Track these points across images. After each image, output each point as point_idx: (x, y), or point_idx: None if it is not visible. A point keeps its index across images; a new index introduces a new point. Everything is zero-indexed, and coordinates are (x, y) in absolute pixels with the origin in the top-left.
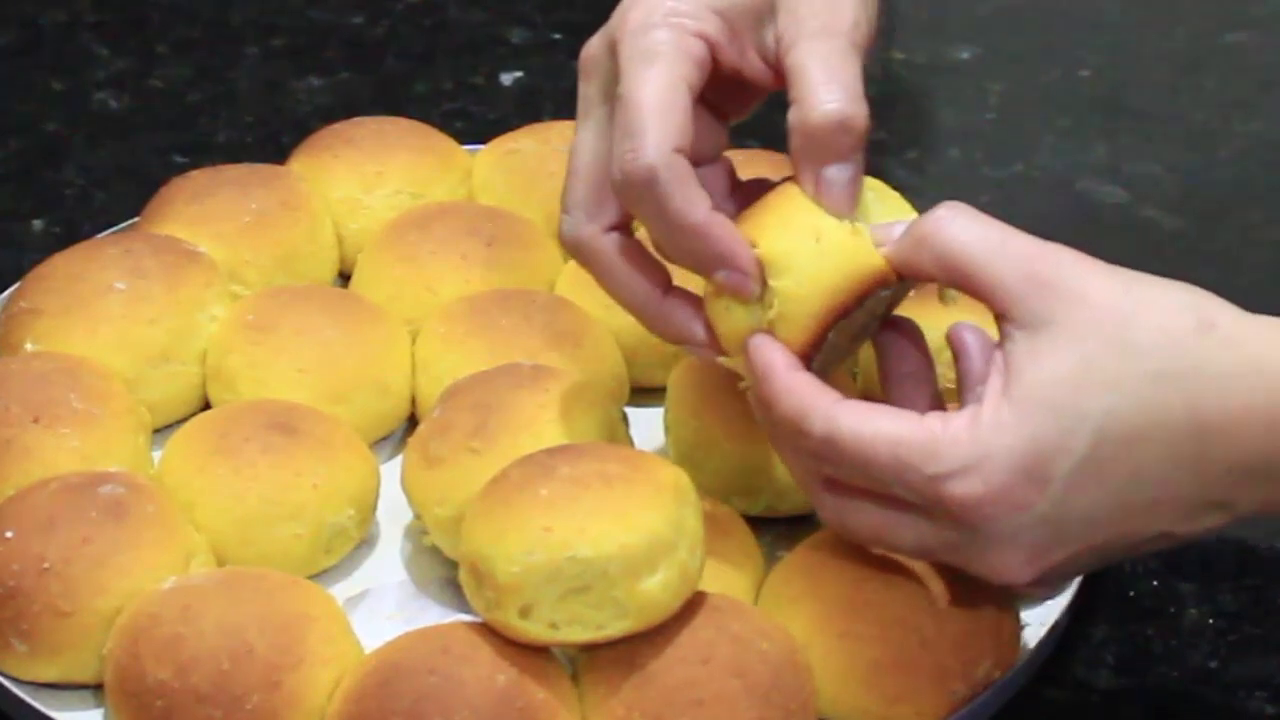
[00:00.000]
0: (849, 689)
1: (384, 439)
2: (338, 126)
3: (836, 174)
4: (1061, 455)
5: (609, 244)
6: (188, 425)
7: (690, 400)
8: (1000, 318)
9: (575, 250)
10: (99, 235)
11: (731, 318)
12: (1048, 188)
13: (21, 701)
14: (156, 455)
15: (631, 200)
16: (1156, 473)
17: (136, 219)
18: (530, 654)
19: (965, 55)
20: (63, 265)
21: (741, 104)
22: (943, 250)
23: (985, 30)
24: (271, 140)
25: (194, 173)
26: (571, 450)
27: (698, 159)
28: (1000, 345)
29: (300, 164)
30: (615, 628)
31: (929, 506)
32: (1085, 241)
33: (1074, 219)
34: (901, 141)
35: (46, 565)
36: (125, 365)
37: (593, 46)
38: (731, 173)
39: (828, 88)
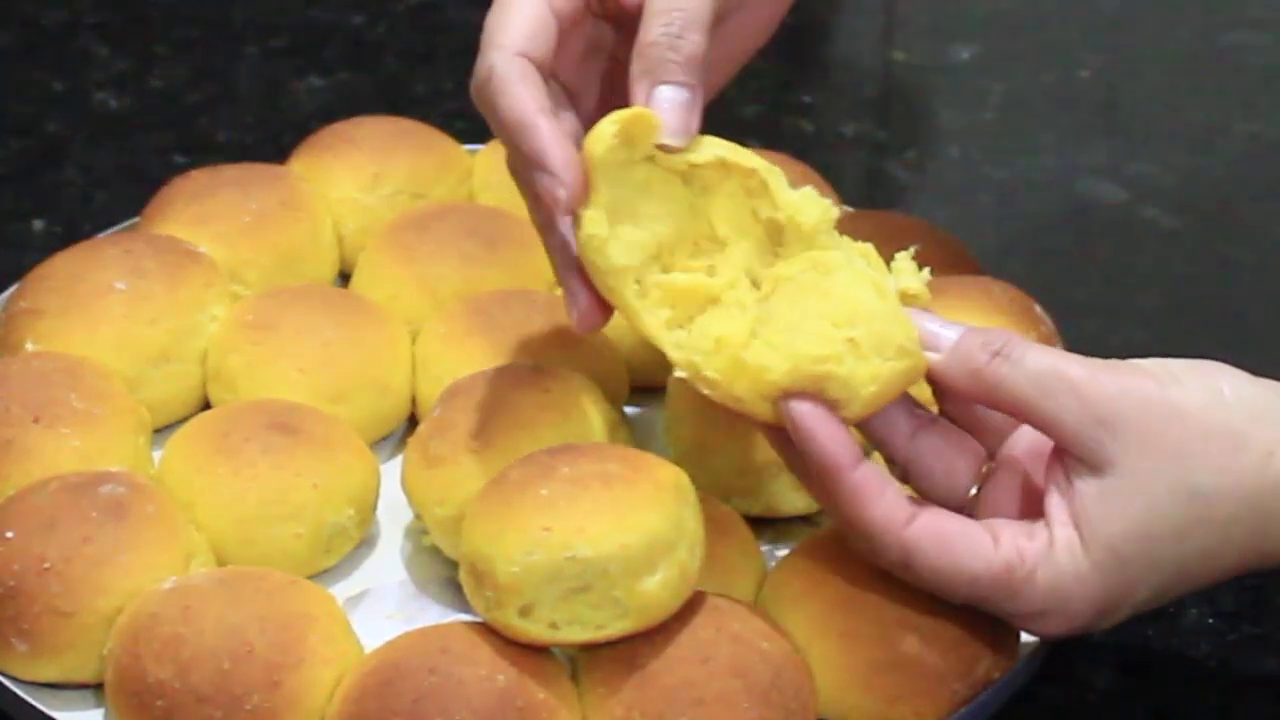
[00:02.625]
0: (849, 689)
1: (384, 439)
2: (338, 126)
3: (667, 92)
4: (1131, 596)
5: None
6: (188, 425)
7: (690, 400)
8: (1062, 451)
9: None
10: (99, 235)
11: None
12: (1048, 188)
13: (22, 701)
14: (156, 455)
15: (478, 104)
16: (1207, 584)
17: (136, 219)
18: (530, 654)
19: (965, 55)
20: (63, 265)
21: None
22: (995, 388)
23: (985, 30)
24: (271, 140)
25: (194, 173)
26: (571, 450)
27: None
28: (1064, 471)
29: (300, 164)
30: (615, 628)
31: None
32: (1085, 241)
33: (1074, 219)
34: (901, 141)
35: (47, 565)
36: (125, 365)
37: None
38: None
39: (663, 14)
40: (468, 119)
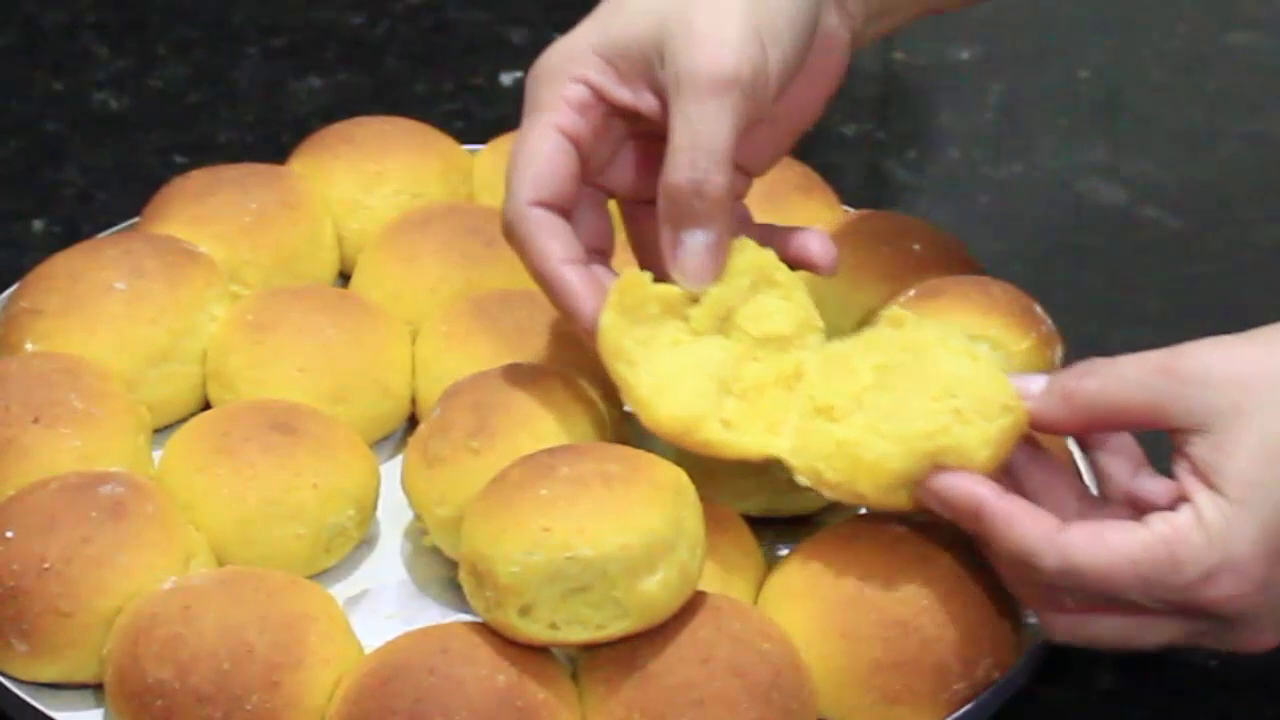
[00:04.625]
0: (849, 689)
1: (384, 439)
2: (338, 126)
3: (692, 239)
4: None
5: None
6: (188, 425)
7: None
8: (1172, 433)
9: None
10: (99, 235)
11: None
12: (1048, 188)
13: (22, 701)
14: (156, 455)
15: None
16: None
17: (136, 219)
18: (530, 654)
19: (965, 55)
20: (63, 265)
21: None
22: (1091, 403)
23: (985, 30)
24: (271, 140)
25: (194, 173)
26: (571, 450)
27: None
28: (1180, 453)
29: (300, 164)
30: (615, 628)
31: (1182, 610)
32: (1085, 241)
33: (1074, 219)
34: (901, 141)
35: (46, 565)
36: (125, 365)
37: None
38: (746, 220)
39: (686, 154)
40: (468, 119)
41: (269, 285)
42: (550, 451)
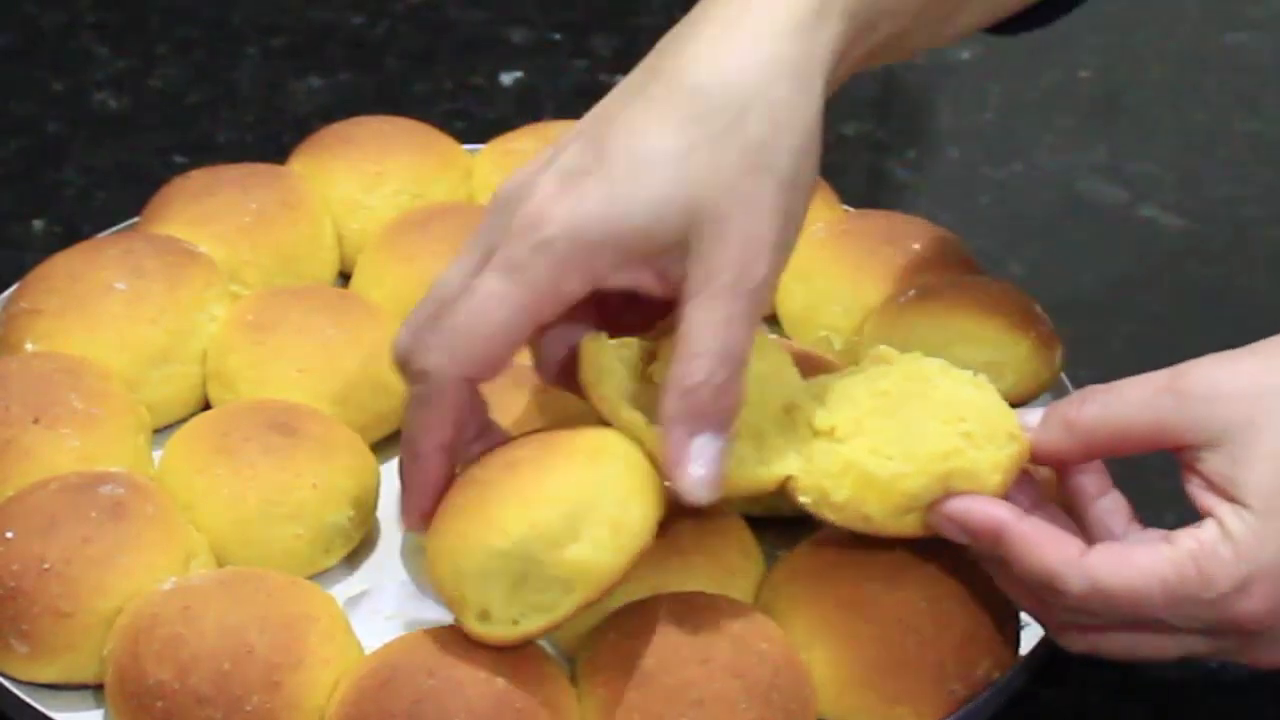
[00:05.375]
0: (849, 689)
1: (384, 439)
2: (338, 126)
3: (705, 444)
4: None
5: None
6: (188, 425)
7: None
8: (1179, 451)
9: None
10: (99, 235)
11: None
12: (1048, 188)
13: (22, 702)
14: (156, 455)
15: (400, 368)
16: None
17: (136, 219)
18: (528, 655)
19: (965, 55)
20: (63, 265)
21: None
22: (1094, 428)
23: None
24: (271, 140)
25: (194, 173)
26: (493, 450)
27: None
28: (1192, 470)
29: (300, 164)
30: (568, 603)
31: (1211, 627)
32: (1085, 241)
33: (1074, 219)
34: (901, 141)
35: (46, 565)
36: (125, 365)
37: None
38: None
39: (709, 358)
40: (468, 119)
41: (269, 285)
42: (479, 460)
